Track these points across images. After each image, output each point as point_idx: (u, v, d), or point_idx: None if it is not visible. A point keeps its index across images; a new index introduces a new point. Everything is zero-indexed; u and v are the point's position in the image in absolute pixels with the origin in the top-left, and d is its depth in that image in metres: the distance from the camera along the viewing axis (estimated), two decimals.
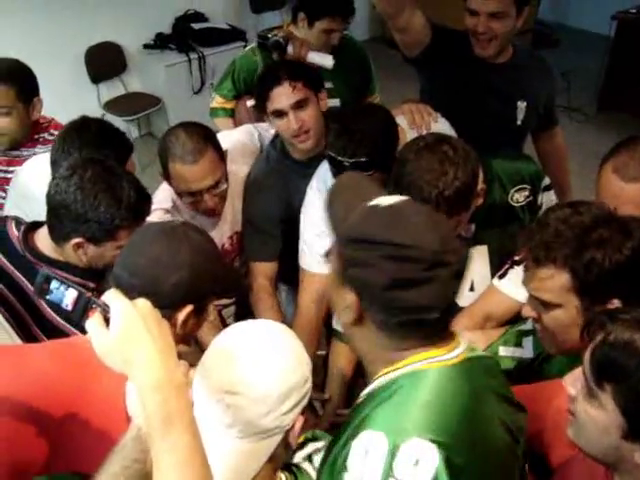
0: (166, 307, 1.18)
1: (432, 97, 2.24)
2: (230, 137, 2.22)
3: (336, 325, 1.92)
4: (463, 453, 1.00)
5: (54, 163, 1.76)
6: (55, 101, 2.51)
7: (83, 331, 0.95)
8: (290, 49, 2.50)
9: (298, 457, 1.25)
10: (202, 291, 1.29)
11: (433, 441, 0.97)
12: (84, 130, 1.79)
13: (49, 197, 1.52)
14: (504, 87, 2.30)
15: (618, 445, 0.98)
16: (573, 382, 1.05)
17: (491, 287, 1.79)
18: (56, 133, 2.02)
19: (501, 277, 1.76)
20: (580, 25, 6.93)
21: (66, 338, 1.41)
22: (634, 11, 5.28)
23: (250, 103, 2.53)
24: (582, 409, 1.02)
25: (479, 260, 1.89)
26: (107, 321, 0.93)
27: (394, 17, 2.14)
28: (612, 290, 1.25)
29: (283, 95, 1.97)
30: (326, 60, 2.48)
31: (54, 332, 1.57)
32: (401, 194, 1.51)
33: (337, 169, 1.76)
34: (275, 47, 2.50)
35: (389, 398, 1.06)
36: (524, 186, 1.87)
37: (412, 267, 1.00)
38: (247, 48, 2.87)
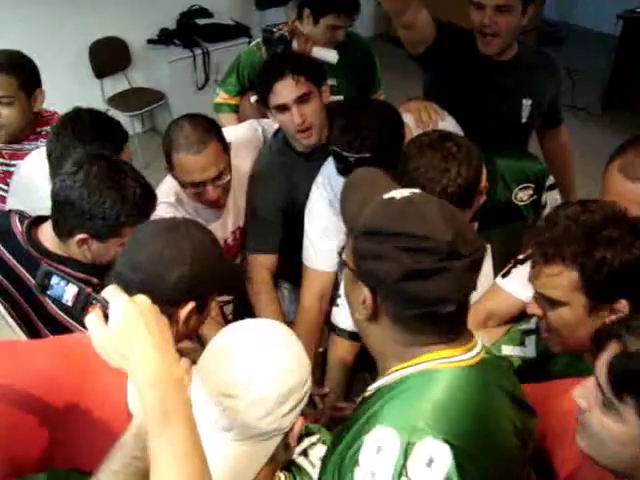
0: (168, 304, 1.18)
1: (436, 95, 2.23)
2: (234, 132, 2.22)
3: (334, 320, 1.92)
4: (474, 456, 0.99)
5: (49, 156, 1.76)
6: (59, 96, 2.50)
7: (85, 326, 0.94)
8: (295, 44, 2.49)
9: (294, 453, 1.24)
10: (204, 287, 1.28)
11: (446, 442, 0.97)
12: (77, 122, 1.79)
13: (54, 193, 1.52)
14: (509, 85, 2.29)
15: (638, 455, 0.96)
16: (584, 394, 1.03)
17: (494, 286, 1.78)
18: None
19: (504, 276, 1.75)
20: (585, 24, 6.90)
21: (69, 334, 1.41)
22: None
23: (254, 99, 2.53)
24: (597, 422, 1.00)
25: None
26: (107, 317, 0.92)
27: (399, 14, 2.13)
28: (620, 290, 1.25)
29: (286, 89, 1.97)
30: (330, 55, 2.48)
31: (57, 327, 1.58)
32: None
33: (342, 164, 1.76)
34: (280, 42, 2.50)
35: (401, 394, 1.05)
36: (528, 185, 1.86)
37: (426, 258, 0.99)
38: (252, 44, 2.86)
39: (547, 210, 1.89)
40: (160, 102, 4.94)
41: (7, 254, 1.60)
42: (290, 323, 1.97)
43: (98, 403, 1.18)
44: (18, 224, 1.62)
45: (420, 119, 2.06)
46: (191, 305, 1.25)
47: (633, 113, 5.11)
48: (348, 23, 2.65)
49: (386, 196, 1.08)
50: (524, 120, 2.34)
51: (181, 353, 1.01)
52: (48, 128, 2.26)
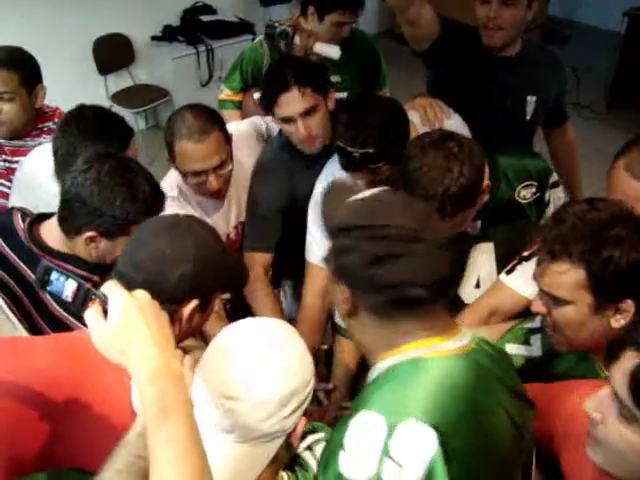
0: (171, 302, 1.18)
1: (440, 91, 2.22)
2: (238, 127, 2.21)
3: (338, 320, 1.91)
4: (462, 440, 0.99)
5: (55, 153, 1.76)
6: (63, 92, 2.51)
7: (84, 322, 0.94)
8: (297, 39, 2.47)
9: (299, 448, 1.22)
10: (207, 285, 1.28)
11: (431, 425, 0.97)
12: (82, 119, 1.79)
13: (64, 190, 1.52)
14: (513, 81, 2.28)
15: None
16: (596, 407, 1.00)
17: (498, 282, 1.78)
18: None
19: (508, 272, 1.75)
20: (590, 21, 6.88)
21: (70, 332, 1.41)
22: None
23: (257, 95, 2.52)
24: (615, 433, 0.97)
25: (485, 257, 1.88)
26: (106, 312, 0.92)
27: (403, 10, 2.12)
28: (626, 289, 1.24)
29: (292, 102, 1.93)
30: (333, 51, 2.45)
31: (57, 324, 1.57)
32: (406, 190, 1.52)
33: (346, 160, 1.75)
34: (282, 37, 2.48)
35: (387, 382, 1.07)
36: (531, 182, 1.85)
37: (388, 244, 1.04)
38: (255, 40, 2.85)
39: (550, 208, 1.88)
40: (164, 99, 4.94)
41: (9, 251, 1.60)
42: (292, 321, 1.96)
43: (99, 399, 1.18)
44: (20, 221, 1.61)
45: (426, 117, 2.05)
46: (194, 303, 1.24)
47: (638, 111, 5.09)
48: (353, 19, 2.64)
49: (357, 196, 1.15)
50: (528, 117, 2.33)
51: (185, 351, 1.01)
52: (50, 124, 2.27)
